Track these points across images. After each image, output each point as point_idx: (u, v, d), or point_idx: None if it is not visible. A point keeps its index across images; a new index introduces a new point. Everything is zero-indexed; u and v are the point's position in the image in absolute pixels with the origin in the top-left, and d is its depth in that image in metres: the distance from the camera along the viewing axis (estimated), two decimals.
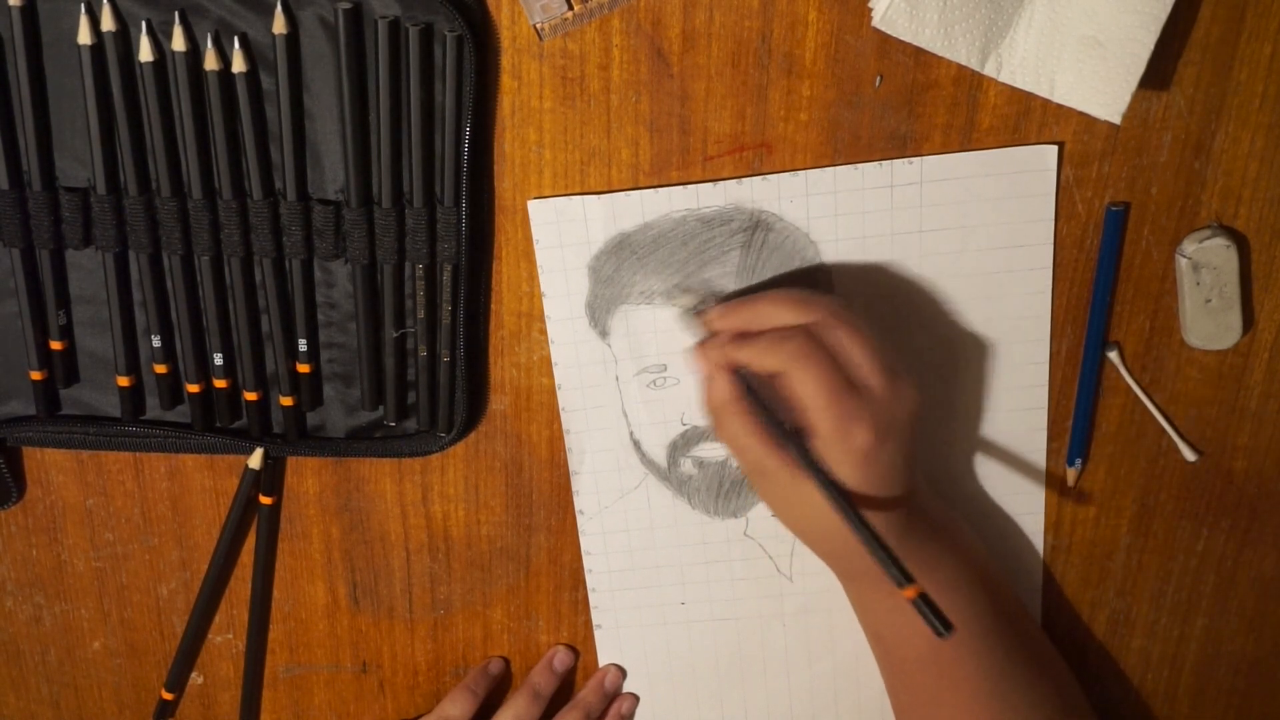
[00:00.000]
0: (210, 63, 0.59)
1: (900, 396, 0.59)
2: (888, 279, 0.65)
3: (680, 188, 0.63)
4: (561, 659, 0.73)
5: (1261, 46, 0.60)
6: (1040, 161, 0.63)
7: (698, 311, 0.63)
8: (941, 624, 0.56)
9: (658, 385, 0.67)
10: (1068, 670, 0.68)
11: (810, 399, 0.58)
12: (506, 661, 0.74)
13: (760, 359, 0.59)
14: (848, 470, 0.58)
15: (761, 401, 0.60)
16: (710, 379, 0.61)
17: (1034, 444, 0.69)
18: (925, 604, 0.57)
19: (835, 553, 0.63)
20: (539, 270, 0.65)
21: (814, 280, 0.65)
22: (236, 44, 0.59)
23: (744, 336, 0.60)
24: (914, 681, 0.65)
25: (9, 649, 0.75)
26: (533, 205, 0.63)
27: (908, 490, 0.61)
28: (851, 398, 0.58)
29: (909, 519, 0.61)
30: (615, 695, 0.74)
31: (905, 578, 0.57)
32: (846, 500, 0.58)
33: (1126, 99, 0.58)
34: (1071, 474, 0.69)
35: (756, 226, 0.64)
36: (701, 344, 0.62)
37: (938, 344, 0.66)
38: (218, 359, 0.65)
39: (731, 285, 0.64)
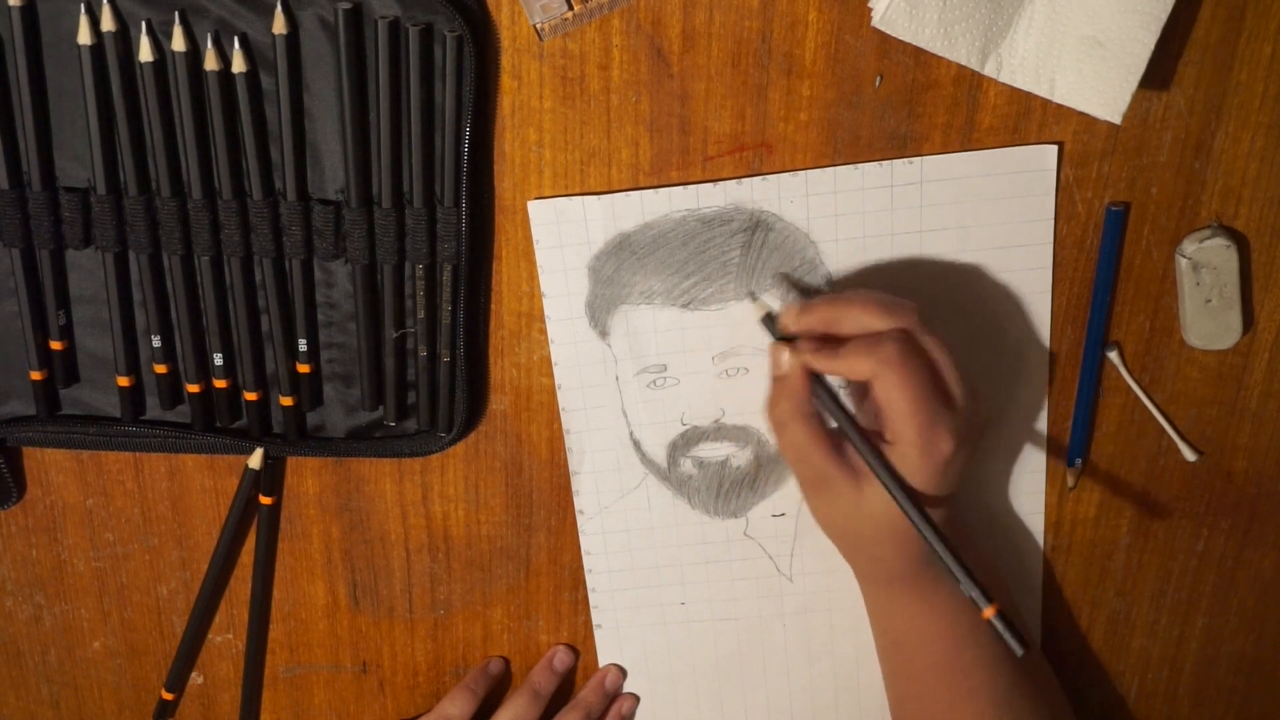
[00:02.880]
0: (210, 63, 0.59)
1: (977, 407, 0.60)
2: (887, 279, 0.65)
3: (680, 188, 0.63)
4: (561, 659, 0.73)
5: (1261, 46, 0.60)
6: (1040, 161, 0.63)
7: (773, 315, 0.62)
8: (1019, 641, 0.57)
9: (658, 385, 0.67)
10: (1061, 690, 0.69)
11: (900, 404, 0.57)
12: (506, 661, 0.74)
13: (852, 365, 0.58)
14: (924, 478, 0.58)
15: (838, 403, 0.60)
16: (783, 381, 0.60)
17: (1034, 444, 0.69)
18: (1004, 622, 0.57)
19: (879, 558, 0.63)
20: (539, 270, 0.65)
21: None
22: (236, 44, 0.59)
23: (826, 341, 0.60)
24: (928, 689, 0.65)
25: (9, 649, 0.75)
26: (533, 205, 0.63)
27: (953, 495, 0.61)
28: (939, 405, 0.58)
29: (945, 524, 0.61)
30: (615, 695, 0.74)
31: (985, 597, 0.57)
32: (921, 510, 0.58)
33: (1126, 99, 0.58)
34: (1071, 474, 0.69)
35: (756, 226, 0.64)
36: (779, 344, 0.61)
37: None
38: (218, 359, 0.65)
39: (732, 286, 0.64)
